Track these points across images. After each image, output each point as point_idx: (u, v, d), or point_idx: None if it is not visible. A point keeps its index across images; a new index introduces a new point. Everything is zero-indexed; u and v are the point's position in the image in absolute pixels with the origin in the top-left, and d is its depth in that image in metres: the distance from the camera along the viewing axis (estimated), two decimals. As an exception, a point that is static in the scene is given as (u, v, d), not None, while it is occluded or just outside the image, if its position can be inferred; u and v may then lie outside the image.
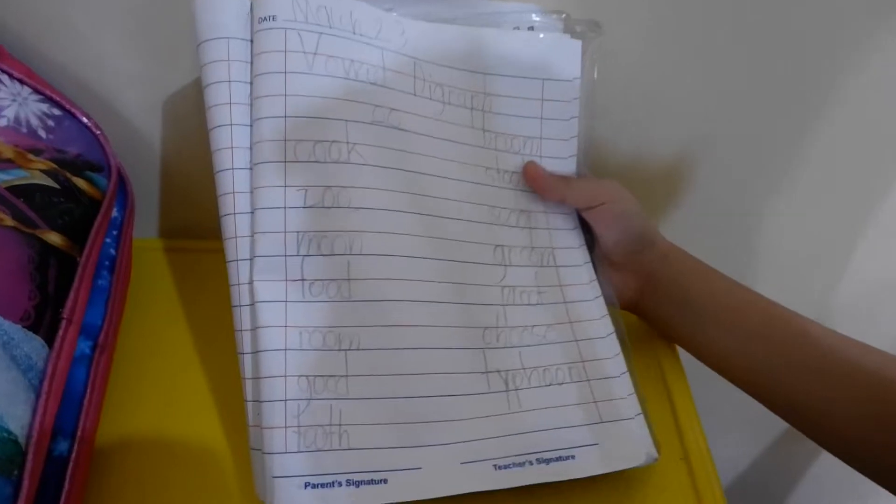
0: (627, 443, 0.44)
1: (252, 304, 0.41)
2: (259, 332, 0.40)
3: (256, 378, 0.40)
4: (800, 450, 0.85)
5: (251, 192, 0.42)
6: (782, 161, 0.62)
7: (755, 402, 0.48)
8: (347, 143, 0.43)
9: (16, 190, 0.42)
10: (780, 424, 0.84)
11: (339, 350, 0.41)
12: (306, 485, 0.38)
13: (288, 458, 0.38)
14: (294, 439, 0.39)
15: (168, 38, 0.49)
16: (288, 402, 0.39)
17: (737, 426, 0.74)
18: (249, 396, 0.40)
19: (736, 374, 0.48)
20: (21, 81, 0.46)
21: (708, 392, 0.54)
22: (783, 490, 0.90)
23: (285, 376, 0.40)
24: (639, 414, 0.45)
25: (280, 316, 0.41)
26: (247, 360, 0.41)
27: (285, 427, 0.39)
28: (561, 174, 0.50)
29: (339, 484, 0.38)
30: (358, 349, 0.41)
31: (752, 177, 0.63)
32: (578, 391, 0.45)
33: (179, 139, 0.55)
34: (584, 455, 0.43)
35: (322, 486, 0.38)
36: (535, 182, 0.49)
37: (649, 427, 0.45)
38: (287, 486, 0.38)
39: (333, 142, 0.43)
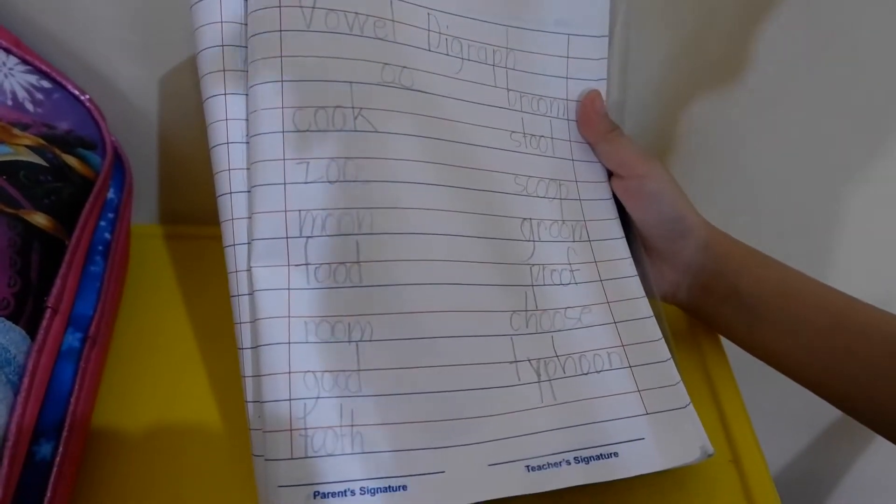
0: (678, 436, 0.40)
1: (251, 294, 0.37)
2: (259, 324, 0.36)
3: (257, 376, 0.36)
4: (847, 443, 0.81)
5: (248, 169, 0.38)
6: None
7: (799, 393, 0.44)
8: (353, 107, 0.39)
9: (-2, 167, 0.39)
10: (825, 417, 0.82)
11: (350, 342, 0.37)
12: (316, 494, 0.34)
13: (294, 465, 0.34)
14: (301, 443, 0.35)
15: (169, 3, 0.46)
16: (293, 401, 0.35)
17: (780, 419, 0.70)
18: (250, 397, 0.36)
19: (802, 375, 0.44)
20: (7, 51, 0.43)
21: (746, 383, 0.50)
22: (829, 484, 0.87)
23: (289, 373, 0.35)
24: (689, 404, 0.41)
25: (282, 305, 0.36)
26: (247, 357, 0.37)
27: (290, 430, 0.35)
28: (612, 122, 0.46)
29: (353, 492, 0.35)
30: (371, 340, 0.37)
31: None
32: (620, 379, 0.41)
33: (180, 116, 0.52)
34: (629, 452, 0.39)
35: (334, 495, 0.34)
36: (584, 108, 0.45)
37: None
38: (294, 497, 0.34)
39: (337, 107, 0.38)
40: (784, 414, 0.70)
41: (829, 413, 0.44)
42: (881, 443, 0.42)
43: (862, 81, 0.53)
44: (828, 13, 0.50)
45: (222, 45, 0.38)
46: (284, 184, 0.37)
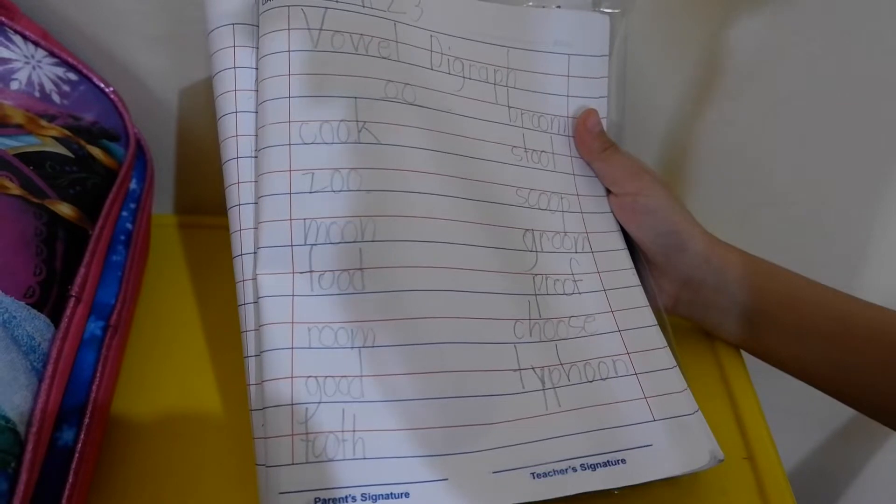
0: (687, 443, 0.40)
1: (256, 301, 0.37)
2: (263, 330, 0.37)
3: (261, 383, 0.36)
4: (862, 440, 0.81)
5: (256, 181, 0.39)
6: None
7: (814, 391, 0.44)
8: (357, 121, 0.40)
9: (25, 157, 0.40)
10: (840, 414, 0.81)
11: (353, 348, 0.37)
12: (317, 500, 0.34)
13: (294, 471, 0.35)
14: (302, 448, 0.35)
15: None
16: (295, 406, 0.36)
17: (794, 416, 0.70)
18: (254, 405, 0.37)
19: (812, 380, 0.44)
20: (35, 44, 0.43)
21: (761, 380, 0.50)
22: (843, 481, 0.86)
23: (291, 378, 0.36)
24: (697, 410, 0.41)
25: (286, 311, 0.37)
26: (251, 364, 0.37)
27: (292, 435, 0.35)
28: (607, 140, 0.46)
29: (354, 499, 0.35)
30: (373, 346, 0.38)
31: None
32: (626, 386, 0.41)
33: (200, 107, 0.52)
34: (637, 458, 0.39)
35: (335, 501, 0.34)
36: (578, 127, 0.46)
37: None
38: (294, 503, 0.34)
39: (342, 121, 0.40)
40: (799, 411, 0.69)
41: (843, 410, 0.44)
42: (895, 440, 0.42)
43: (868, 88, 0.53)
44: (834, 32, 0.49)
45: (234, 68, 0.40)
46: (290, 193, 0.38)
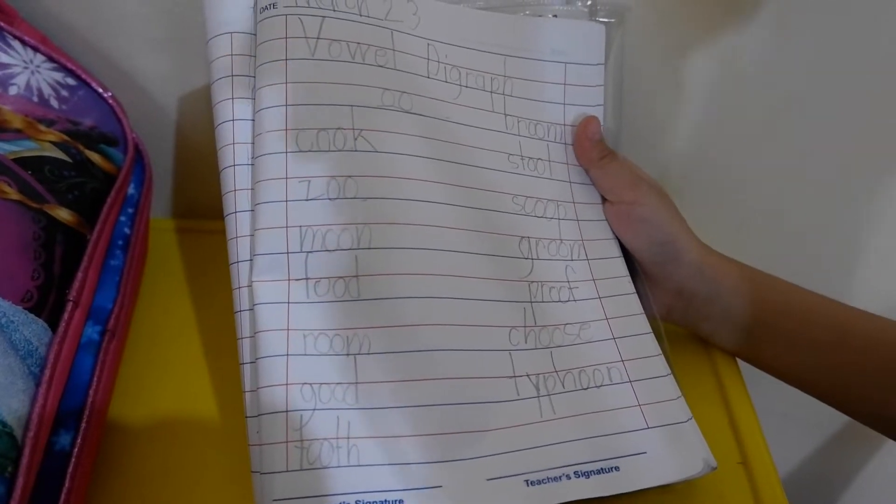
0: (680, 450, 0.40)
1: (252, 308, 0.38)
2: (259, 337, 0.37)
3: (256, 390, 0.37)
4: (857, 446, 0.81)
5: (252, 189, 0.39)
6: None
7: (809, 396, 0.45)
8: (353, 129, 0.40)
9: (24, 162, 0.40)
10: (835, 420, 0.81)
11: (348, 355, 0.37)
12: None
13: (289, 478, 0.35)
14: (296, 455, 0.35)
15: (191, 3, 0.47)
16: (289, 413, 0.36)
17: (789, 421, 0.70)
18: (249, 412, 0.37)
19: (808, 389, 0.44)
20: (35, 49, 0.43)
21: (756, 385, 0.50)
22: (838, 487, 0.87)
23: (286, 384, 0.36)
24: (691, 418, 0.42)
25: (281, 319, 0.37)
26: (247, 371, 0.37)
27: (286, 442, 0.35)
28: (605, 147, 0.46)
29: None
30: (368, 353, 0.38)
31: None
32: (620, 394, 0.42)
33: (199, 112, 0.53)
34: (631, 466, 0.39)
35: None
36: (578, 134, 0.46)
37: None
38: None
39: (338, 129, 0.40)
40: (793, 416, 0.70)
41: (838, 416, 0.44)
42: (891, 446, 0.42)
43: (864, 97, 0.53)
44: (833, 36, 0.50)
45: (231, 76, 0.40)
46: (286, 201, 0.38)
